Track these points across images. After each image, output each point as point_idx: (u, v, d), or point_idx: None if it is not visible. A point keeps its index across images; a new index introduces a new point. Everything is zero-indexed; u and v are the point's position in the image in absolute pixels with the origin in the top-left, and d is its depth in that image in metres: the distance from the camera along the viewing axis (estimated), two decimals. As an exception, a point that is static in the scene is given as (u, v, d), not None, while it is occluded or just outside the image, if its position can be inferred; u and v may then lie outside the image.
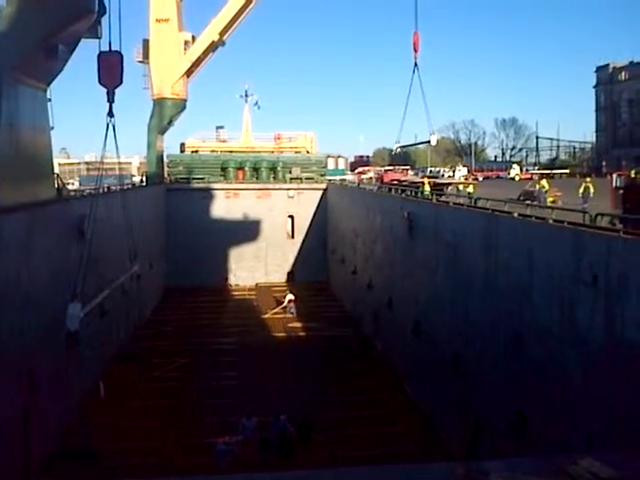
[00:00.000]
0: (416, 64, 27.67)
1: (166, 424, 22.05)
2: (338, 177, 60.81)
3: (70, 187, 41.03)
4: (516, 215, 17.74)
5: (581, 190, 25.22)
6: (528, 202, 22.54)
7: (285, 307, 38.89)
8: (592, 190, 25.11)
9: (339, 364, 28.66)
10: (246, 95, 58.91)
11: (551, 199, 26.15)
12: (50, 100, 24.54)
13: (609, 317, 12.32)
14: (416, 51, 27.54)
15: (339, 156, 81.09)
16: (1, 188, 19.33)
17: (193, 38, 48.71)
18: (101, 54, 23.59)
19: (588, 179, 27.22)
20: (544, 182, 31.12)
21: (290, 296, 38.85)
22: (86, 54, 25.59)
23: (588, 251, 13.20)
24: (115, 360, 28.67)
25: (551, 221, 15.64)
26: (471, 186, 37.03)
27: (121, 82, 23.65)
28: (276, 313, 39.13)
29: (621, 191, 18.47)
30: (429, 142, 31.97)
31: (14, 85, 21.01)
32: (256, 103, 59.39)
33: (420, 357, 24.32)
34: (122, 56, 23.79)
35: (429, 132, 30.45)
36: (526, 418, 15.25)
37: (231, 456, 18.65)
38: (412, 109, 28.71)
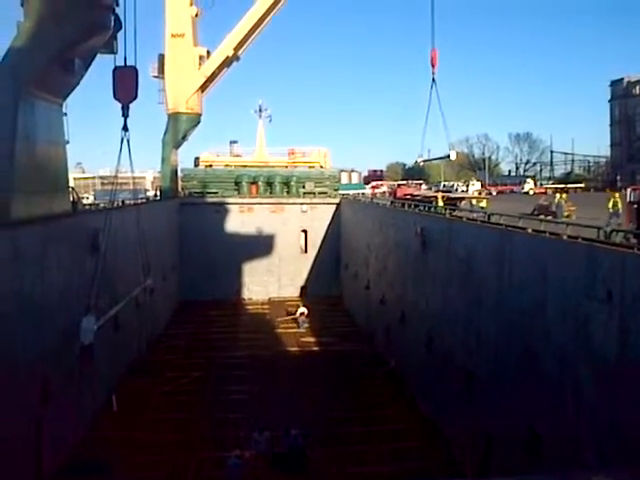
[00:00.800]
0: (434, 79, 27.77)
1: (178, 438, 22.03)
2: (355, 191, 61.07)
3: (85, 201, 41.29)
4: (530, 231, 17.67)
5: (610, 205, 23.64)
6: (542, 217, 22.43)
7: (296, 318, 38.89)
8: (620, 205, 23.51)
9: (351, 379, 28.56)
10: (260, 110, 59.16)
11: (565, 214, 26.02)
12: (66, 114, 24.79)
13: (623, 333, 12.21)
14: (434, 66, 27.67)
15: (352, 170, 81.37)
16: (17, 201, 19.51)
17: (208, 53, 49.05)
18: (116, 69, 23.86)
19: (617, 194, 25.03)
20: (563, 196, 31.07)
21: (302, 309, 38.84)
22: (101, 69, 25.87)
23: (602, 267, 13.11)
24: (128, 373, 28.71)
25: (565, 237, 15.56)
26: (484, 201, 36.97)
27: (136, 97, 23.88)
28: (287, 324, 39.32)
29: (635, 206, 18.35)
30: (449, 157, 32.03)
31: (30, 99, 21.24)
32: (269, 116, 59.65)
33: (433, 373, 24.18)
34: (137, 71, 24.04)
35: (448, 147, 30.59)
36: (539, 434, 15.11)
37: (242, 470, 18.58)
38: (427, 125, 28.75)
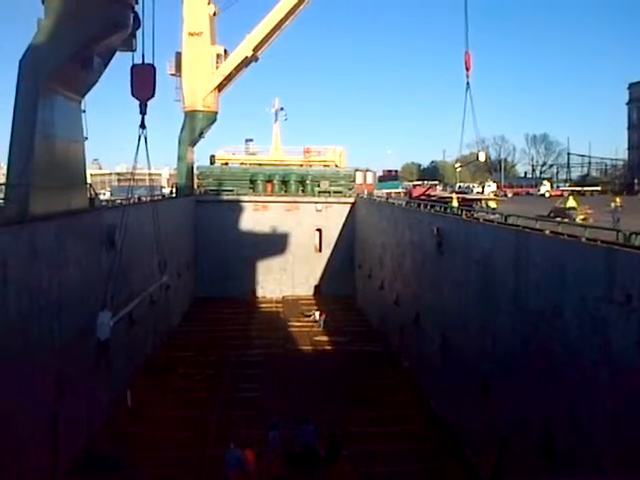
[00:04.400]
0: (468, 83, 27.22)
1: (191, 435, 22.11)
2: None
3: (102, 197, 41.52)
4: (547, 233, 17.55)
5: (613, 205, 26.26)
6: (559, 220, 22.27)
7: (316, 320, 39.19)
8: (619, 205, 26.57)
9: (364, 379, 28.51)
10: (276, 108, 59.13)
11: (582, 217, 25.81)
12: (84, 111, 24.91)
13: (642, 338, 12.11)
14: (468, 69, 27.16)
15: (367, 170, 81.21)
16: (35, 197, 19.63)
17: (225, 52, 49.12)
18: (134, 67, 23.94)
19: (618, 199, 27.34)
20: (571, 200, 30.50)
21: (317, 314, 39.07)
22: (120, 66, 25.97)
23: (622, 270, 13.00)
24: (143, 369, 28.85)
25: (584, 239, 15.44)
26: (493, 202, 36.87)
27: (153, 94, 23.96)
28: (301, 322, 39.74)
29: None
30: (477, 159, 32.02)
31: (50, 96, 21.35)
32: (284, 115, 59.59)
33: (447, 374, 24.10)
34: (155, 69, 24.11)
35: (477, 148, 30.55)
36: (555, 439, 15.02)
37: (240, 465, 18.35)
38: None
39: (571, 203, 28.75)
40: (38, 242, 17.78)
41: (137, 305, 24.73)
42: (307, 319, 40.18)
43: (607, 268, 13.51)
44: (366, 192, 54.82)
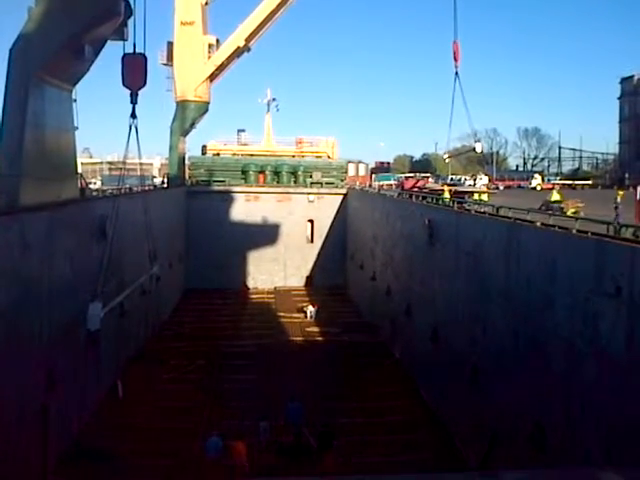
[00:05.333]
0: (457, 73, 27.32)
1: (182, 426, 22.11)
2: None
3: (92, 186, 41.35)
4: (538, 225, 17.59)
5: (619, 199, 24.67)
6: (550, 212, 22.28)
7: (305, 311, 39.15)
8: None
9: (356, 370, 28.58)
10: (268, 99, 58.93)
11: (573, 210, 25.77)
12: (75, 101, 24.77)
13: (632, 329, 12.17)
14: (456, 60, 27.22)
15: (360, 162, 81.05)
16: (26, 187, 19.52)
17: (217, 41, 48.86)
18: (125, 56, 23.81)
19: (621, 192, 26.30)
20: (555, 193, 30.28)
21: (311, 308, 38.99)
22: (111, 55, 25.81)
23: (612, 262, 13.05)
24: (133, 360, 28.81)
25: (574, 231, 15.48)
26: (485, 195, 36.85)
27: (144, 84, 23.85)
28: (292, 313, 39.73)
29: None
30: (474, 150, 31.93)
31: (40, 85, 21.21)
32: (277, 106, 59.46)
33: (438, 365, 24.19)
34: (146, 58, 24.00)
35: (473, 139, 30.44)
36: (544, 430, 15.10)
37: (221, 450, 18.42)
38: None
39: (555, 197, 28.69)
40: (28, 233, 17.66)
41: (128, 296, 24.68)
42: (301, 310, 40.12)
43: (597, 260, 13.56)
44: (361, 184, 54.72)
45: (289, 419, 21.36)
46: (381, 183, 62.84)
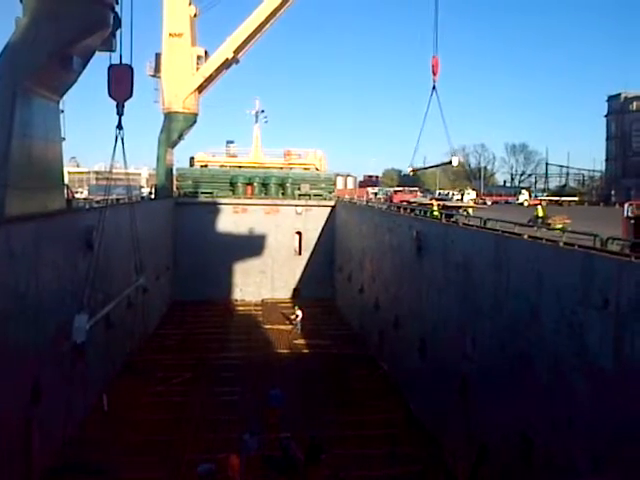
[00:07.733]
0: (434, 87, 27.47)
1: (169, 438, 21.92)
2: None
3: (79, 196, 41.16)
4: (526, 237, 17.64)
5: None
6: (538, 225, 22.37)
7: (292, 320, 38.89)
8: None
9: (344, 382, 28.48)
10: (256, 111, 58.93)
11: (560, 225, 25.93)
12: (62, 111, 24.64)
13: (619, 341, 12.18)
14: (435, 74, 27.41)
15: (348, 175, 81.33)
16: (12, 198, 19.36)
17: (206, 53, 48.96)
18: (111, 67, 23.68)
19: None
20: (540, 209, 30.59)
21: (299, 312, 38.75)
22: (100, 65, 25.71)
23: (599, 274, 13.08)
24: (119, 373, 28.56)
25: (562, 244, 15.53)
26: (470, 209, 37.21)
27: (131, 95, 23.68)
28: (280, 325, 39.56)
29: (632, 221, 18.28)
30: (450, 163, 31.99)
31: (27, 96, 21.10)
32: (265, 117, 59.46)
33: (426, 378, 24.13)
34: (132, 69, 23.86)
35: (450, 153, 30.54)
36: (532, 442, 15.07)
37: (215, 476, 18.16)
38: (424, 132, 28.56)
39: (540, 213, 29.03)
40: (14, 243, 17.50)
41: (114, 308, 24.46)
42: (287, 322, 39.95)
43: (584, 272, 13.58)
44: (359, 197, 54.81)
45: (271, 404, 22.95)
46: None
